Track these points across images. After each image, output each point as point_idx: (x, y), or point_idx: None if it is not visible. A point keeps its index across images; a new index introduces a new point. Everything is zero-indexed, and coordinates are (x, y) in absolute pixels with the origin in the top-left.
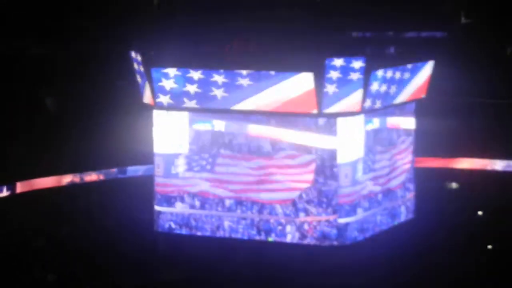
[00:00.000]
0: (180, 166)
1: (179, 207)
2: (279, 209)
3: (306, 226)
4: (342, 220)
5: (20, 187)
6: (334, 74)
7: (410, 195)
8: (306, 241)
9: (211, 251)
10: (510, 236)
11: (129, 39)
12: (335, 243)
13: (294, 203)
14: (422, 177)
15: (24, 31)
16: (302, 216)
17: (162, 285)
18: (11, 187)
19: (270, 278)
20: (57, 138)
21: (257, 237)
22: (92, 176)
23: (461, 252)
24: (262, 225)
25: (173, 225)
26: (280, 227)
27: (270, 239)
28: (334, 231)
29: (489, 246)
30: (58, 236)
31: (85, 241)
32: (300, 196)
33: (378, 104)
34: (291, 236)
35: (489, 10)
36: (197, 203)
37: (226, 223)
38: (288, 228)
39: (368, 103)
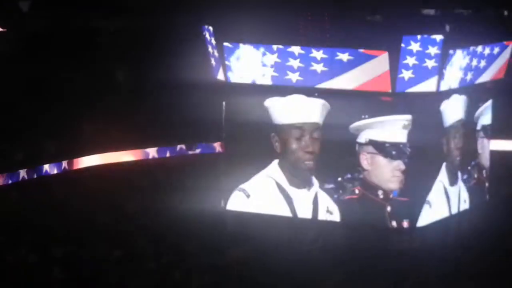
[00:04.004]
0: None
1: None
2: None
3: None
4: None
5: (85, 162)
6: (410, 53)
7: (484, 177)
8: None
9: (280, 230)
10: None
11: (201, 11)
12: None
13: None
14: (497, 159)
15: (98, 5)
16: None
17: (229, 263)
18: (77, 162)
19: (340, 260)
20: (127, 114)
21: None
22: (160, 152)
23: None
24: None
25: None
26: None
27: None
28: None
29: None
30: (124, 212)
31: (151, 217)
32: None
33: (455, 85)
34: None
35: None
36: None
37: None
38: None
39: (444, 83)
